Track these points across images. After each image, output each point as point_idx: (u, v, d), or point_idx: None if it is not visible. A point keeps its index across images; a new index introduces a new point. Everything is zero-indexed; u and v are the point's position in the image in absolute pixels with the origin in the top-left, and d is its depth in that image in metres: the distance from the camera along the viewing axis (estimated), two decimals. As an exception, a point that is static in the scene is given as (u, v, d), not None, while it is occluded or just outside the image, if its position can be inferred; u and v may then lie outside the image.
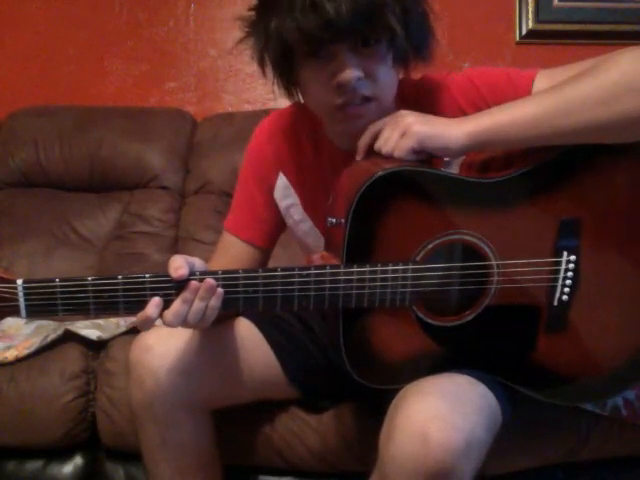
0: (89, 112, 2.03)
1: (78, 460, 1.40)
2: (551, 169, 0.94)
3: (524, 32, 2.13)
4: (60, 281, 0.87)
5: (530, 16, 2.12)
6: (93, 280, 0.88)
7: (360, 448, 1.21)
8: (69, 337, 1.41)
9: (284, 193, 1.13)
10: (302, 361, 1.18)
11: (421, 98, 1.05)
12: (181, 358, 1.06)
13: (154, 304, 0.88)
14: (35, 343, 1.39)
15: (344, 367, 0.96)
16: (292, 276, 0.90)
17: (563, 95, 0.90)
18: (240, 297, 0.91)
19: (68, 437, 1.35)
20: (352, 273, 0.91)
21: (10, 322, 1.60)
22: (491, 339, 0.99)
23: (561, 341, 0.99)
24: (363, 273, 0.91)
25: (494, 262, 0.94)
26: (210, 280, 0.89)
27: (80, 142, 1.94)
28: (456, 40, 2.12)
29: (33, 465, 1.39)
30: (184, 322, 0.89)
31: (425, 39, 0.98)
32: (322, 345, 1.20)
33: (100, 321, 1.53)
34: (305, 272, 0.90)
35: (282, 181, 1.13)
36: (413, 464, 0.84)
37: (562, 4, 2.12)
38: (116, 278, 0.88)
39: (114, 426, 1.32)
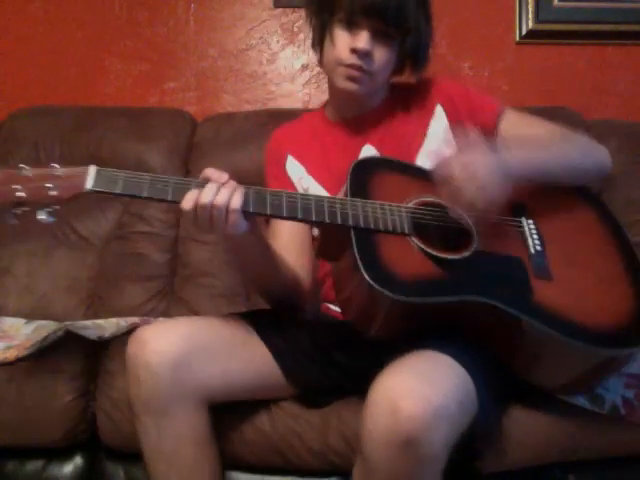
0: (89, 112, 2.03)
1: (78, 460, 1.41)
2: None
3: (524, 32, 2.12)
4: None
5: (530, 16, 2.11)
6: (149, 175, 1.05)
7: (360, 447, 1.21)
8: (69, 337, 1.41)
9: (293, 168, 1.37)
10: (299, 358, 1.21)
11: (399, 98, 1.35)
12: (177, 353, 1.08)
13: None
14: (35, 343, 1.39)
15: (358, 331, 1.09)
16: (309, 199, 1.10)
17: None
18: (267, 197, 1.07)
19: (68, 437, 1.36)
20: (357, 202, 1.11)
21: (10, 322, 1.61)
22: (491, 274, 1.10)
23: (552, 286, 1.10)
24: (365, 204, 1.11)
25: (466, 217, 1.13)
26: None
27: (80, 142, 1.94)
28: (456, 40, 2.12)
29: (33, 465, 1.40)
30: (206, 208, 1.01)
31: (424, 55, 1.29)
32: (321, 343, 1.23)
33: (101, 321, 1.54)
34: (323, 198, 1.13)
35: (290, 160, 1.37)
36: (385, 436, 0.90)
37: (562, 4, 2.12)
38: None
39: (114, 426, 1.32)
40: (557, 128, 1.30)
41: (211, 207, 1.01)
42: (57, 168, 1.00)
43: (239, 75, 2.17)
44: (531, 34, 2.12)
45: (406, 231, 1.10)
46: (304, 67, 2.17)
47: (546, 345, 1.06)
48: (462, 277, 1.07)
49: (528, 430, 1.21)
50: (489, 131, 1.29)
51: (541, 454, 1.24)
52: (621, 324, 1.08)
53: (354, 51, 1.20)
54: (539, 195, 1.22)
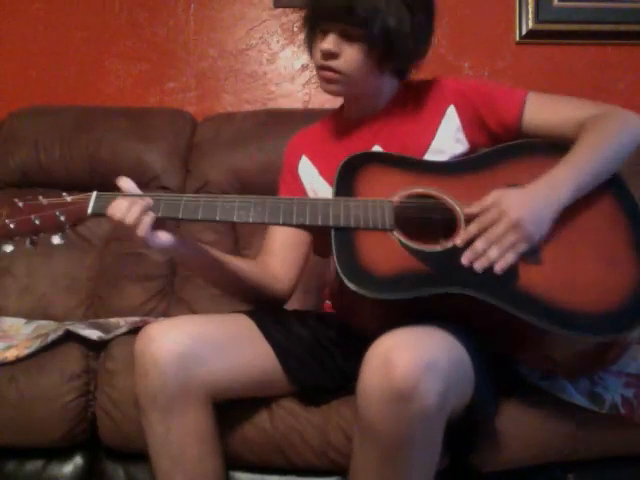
0: (89, 112, 2.03)
1: (78, 460, 1.41)
2: (496, 154, 1.25)
3: (524, 32, 2.13)
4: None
5: (530, 16, 2.12)
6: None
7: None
8: (69, 337, 1.41)
9: (306, 169, 1.38)
10: (301, 356, 1.22)
11: (410, 98, 1.34)
12: (183, 350, 1.10)
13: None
14: (35, 343, 1.39)
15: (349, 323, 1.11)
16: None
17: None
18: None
19: (68, 437, 1.35)
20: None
21: (10, 322, 1.61)
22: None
23: (541, 270, 1.08)
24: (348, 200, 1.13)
25: (455, 205, 1.14)
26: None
27: (80, 142, 1.94)
28: (456, 40, 2.12)
29: (33, 465, 1.40)
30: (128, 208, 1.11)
31: (409, 57, 1.27)
32: (323, 341, 1.25)
33: (100, 321, 1.54)
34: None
35: (304, 161, 1.39)
36: (380, 391, 0.92)
37: (562, 4, 2.12)
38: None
39: (114, 426, 1.32)
40: (583, 105, 1.27)
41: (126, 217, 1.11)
42: (66, 195, 1.13)
43: (239, 75, 2.18)
44: (531, 34, 2.12)
45: (387, 226, 1.10)
46: (304, 67, 2.17)
47: (534, 331, 1.05)
48: (445, 269, 1.06)
49: (527, 429, 1.21)
50: (514, 121, 1.28)
51: (540, 453, 1.24)
52: (618, 304, 1.05)
53: (319, 51, 1.24)
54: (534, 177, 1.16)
